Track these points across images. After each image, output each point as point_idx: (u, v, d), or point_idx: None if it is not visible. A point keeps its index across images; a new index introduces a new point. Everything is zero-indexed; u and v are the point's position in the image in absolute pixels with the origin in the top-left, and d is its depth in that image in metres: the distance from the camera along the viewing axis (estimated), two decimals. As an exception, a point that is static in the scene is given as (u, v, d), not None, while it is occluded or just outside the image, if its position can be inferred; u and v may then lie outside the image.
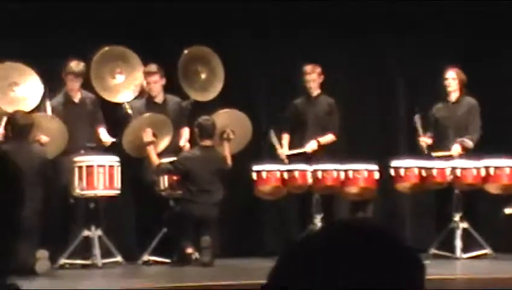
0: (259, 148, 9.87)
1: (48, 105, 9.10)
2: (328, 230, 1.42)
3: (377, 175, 9.44)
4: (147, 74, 9.41)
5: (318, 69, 9.67)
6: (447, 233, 9.46)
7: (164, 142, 9.26)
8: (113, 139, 9.18)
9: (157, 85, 9.40)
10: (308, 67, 9.67)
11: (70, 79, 9.16)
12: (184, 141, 9.44)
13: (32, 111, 9.02)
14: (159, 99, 9.50)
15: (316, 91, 9.73)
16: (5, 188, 1.16)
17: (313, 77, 9.66)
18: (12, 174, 1.18)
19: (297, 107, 9.76)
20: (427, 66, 10.34)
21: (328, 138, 9.64)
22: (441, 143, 9.66)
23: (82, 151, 9.06)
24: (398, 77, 10.62)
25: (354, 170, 9.42)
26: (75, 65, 9.12)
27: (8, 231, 1.14)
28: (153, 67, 9.38)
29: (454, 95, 9.72)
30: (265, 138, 9.66)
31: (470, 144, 9.56)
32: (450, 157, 9.51)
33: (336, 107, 9.77)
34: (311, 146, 9.56)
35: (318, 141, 9.58)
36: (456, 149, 9.53)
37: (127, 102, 9.48)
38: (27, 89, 9.13)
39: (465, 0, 10.20)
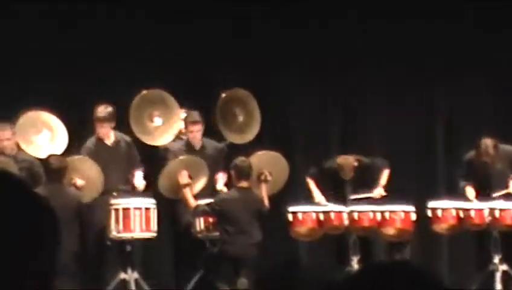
0: (296, 190, 9.86)
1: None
2: (365, 273, 1.41)
3: (413, 216, 9.37)
4: (190, 123, 9.43)
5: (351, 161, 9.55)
6: (486, 275, 9.33)
7: (200, 184, 9.27)
8: (144, 183, 9.17)
9: (199, 134, 9.45)
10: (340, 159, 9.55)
11: (98, 125, 9.17)
12: (221, 185, 9.42)
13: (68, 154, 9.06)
14: (198, 146, 9.53)
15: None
16: (42, 229, 1.18)
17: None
18: (47, 215, 1.19)
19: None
20: (466, 105, 10.34)
21: (386, 174, 9.60)
22: (482, 191, 9.51)
23: (114, 194, 9.05)
24: (437, 116, 10.60)
25: (390, 211, 9.36)
26: (101, 110, 9.13)
27: (45, 272, 1.15)
28: (195, 116, 9.40)
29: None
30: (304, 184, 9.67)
31: None
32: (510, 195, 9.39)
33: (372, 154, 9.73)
34: (379, 192, 9.53)
35: (382, 185, 9.55)
36: None
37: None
38: (50, 136, 9.18)
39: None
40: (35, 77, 9.73)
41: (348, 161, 9.48)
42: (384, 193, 9.54)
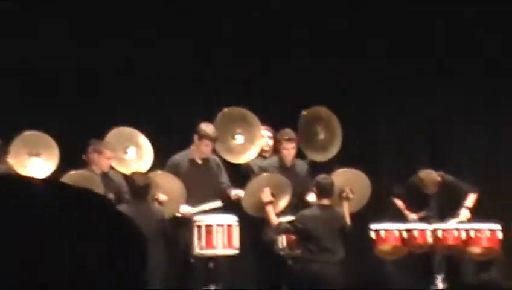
0: (379, 207, 9.78)
1: None
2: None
3: (500, 235, 9.19)
4: (285, 141, 9.43)
5: (434, 175, 9.47)
6: None
7: (283, 202, 9.27)
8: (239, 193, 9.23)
9: (293, 151, 9.45)
10: (423, 175, 9.47)
11: (206, 142, 9.20)
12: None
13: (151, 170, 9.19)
14: (289, 163, 9.54)
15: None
16: (129, 249, 1.19)
17: (430, 183, 9.48)
18: (137, 235, 1.21)
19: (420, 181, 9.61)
20: None
21: (472, 198, 9.47)
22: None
23: (194, 210, 9.09)
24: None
25: (475, 230, 9.20)
26: (211, 129, 9.17)
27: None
28: (291, 134, 9.41)
29: None
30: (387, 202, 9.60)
31: None
32: None
33: (448, 177, 9.58)
34: (465, 214, 9.41)
35: (468, 208, 9.42)
36: None
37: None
38: (137, 153, 9.34)
39: None
40: (120, 95, 9.91)
41: (430, 176, 9.37)
42: (469, 215, 9.41)
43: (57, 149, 9.06)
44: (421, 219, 9.48)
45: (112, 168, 9.19)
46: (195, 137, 9.23)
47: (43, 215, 1.16)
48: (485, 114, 10.42)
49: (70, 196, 1.23)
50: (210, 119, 9.39)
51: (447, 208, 9.44)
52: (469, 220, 9.40)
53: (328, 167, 9.49)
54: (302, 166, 9.62)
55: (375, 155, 10.33)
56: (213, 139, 9.20)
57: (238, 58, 10.17)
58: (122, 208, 8.21)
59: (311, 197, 9.33)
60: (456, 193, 9.49)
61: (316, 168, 9.50)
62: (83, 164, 9.03)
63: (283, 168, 9.50)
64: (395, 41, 10.23)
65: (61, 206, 1.19)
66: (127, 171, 9.07)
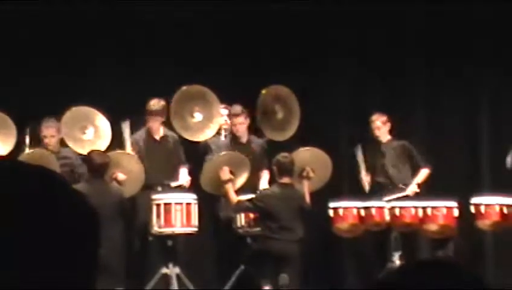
0: (339, 186, 9.83)
1: (128, 142, 9.21)
2: (407, 270, 1.40)
3: (456, 212, 9.29)
4: (233, 116, 9.48)
5: (383, 118, 9.61)
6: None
7: (241, 180, 9.28)
8: (189, 179, 9.24)
9: (242, 126, 9.49)
10: (374, 117, 9.63)
11: (150, 118, 9.29)
12: (264, 184, 9.44)
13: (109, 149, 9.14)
14: (244, 139, 9.57)
15: (385, 138, 9.68)
16: (81, 229, 1.18)
17: (377, 125, 9.62)
18: (87, 213, 1.20)
19: (368, 153, 9.74)
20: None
21: (424, 173, 9.55)
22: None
23: (159, 189, 9.13)
24: (481, 113, 10.50)
25: (432, 207, 9.29)
26: (154, 104, 9.24)
27: (87, 271, 1.15)
28: (237, 109, 9.46)
29: None
30: (352, 155, 9.65)
31: None
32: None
33: (409, 146, 9.68)
34: (412, 189, 9.49)
35: (417, 183, 9.50)
36: None
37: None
38: (94, 132, 9.27)
39: None
40: (80, 74, 9.82)
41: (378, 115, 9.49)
42: (417, 190, 9.49)
43: (15, 129, 8.98)
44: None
45: (66, 146, 9.13)
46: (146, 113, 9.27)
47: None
48: (444, 92, 10.48)
49: (22, 173, 1.21)
50: (169, 97, 9.37)
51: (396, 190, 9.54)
52: (418, 195, 9.48)
53: (289, 145, 9.50)
54: (258, 143, 9.63)
55: (336, 134, 10.36)
56: (155, 114, 9.19)
57: (198, 35, 10.13)
58: (80, 186, 8.18)
59: (263, 183, 9.37)
60: (411, 163, 9.62)
61: (276, 147, 9.51)
62: (39, 144, 8.97)
63: (238, 144, 9.52)
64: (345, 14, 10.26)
65: (13, 184, 1.18)
66: (85, 151, 9.01)
